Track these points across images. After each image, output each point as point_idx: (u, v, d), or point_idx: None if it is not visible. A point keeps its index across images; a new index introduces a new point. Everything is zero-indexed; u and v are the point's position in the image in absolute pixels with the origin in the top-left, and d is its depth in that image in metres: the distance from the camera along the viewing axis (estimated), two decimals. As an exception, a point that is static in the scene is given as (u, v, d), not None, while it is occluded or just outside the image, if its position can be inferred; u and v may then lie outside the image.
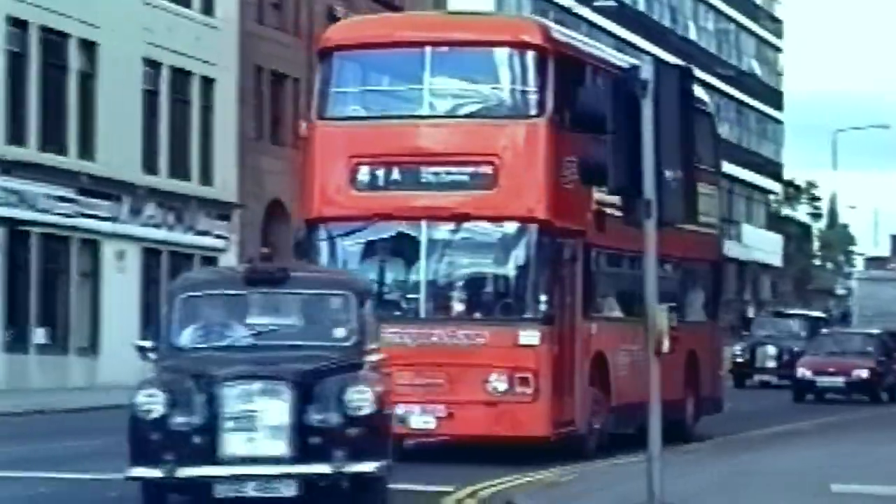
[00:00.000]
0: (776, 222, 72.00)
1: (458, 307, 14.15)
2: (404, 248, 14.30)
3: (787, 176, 74.29)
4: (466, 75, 14.80)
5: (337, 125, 14.64)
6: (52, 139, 29.54)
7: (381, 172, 14.19)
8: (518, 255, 14.01)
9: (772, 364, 34.38)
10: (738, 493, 11.31)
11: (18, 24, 28.67)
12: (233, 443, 8.75)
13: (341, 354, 9.32)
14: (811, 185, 78.62)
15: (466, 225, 13.98)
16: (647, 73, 9.57)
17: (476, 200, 13.88)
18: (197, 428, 8.74)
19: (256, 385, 8.82)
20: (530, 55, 14.24)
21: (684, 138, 9.83)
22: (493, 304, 14.24)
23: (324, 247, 14.22)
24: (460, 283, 14.33)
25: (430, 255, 13.99)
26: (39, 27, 29.05)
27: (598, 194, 14.97)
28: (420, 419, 13.51)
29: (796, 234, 75.47)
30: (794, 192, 76.69)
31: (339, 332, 9.55)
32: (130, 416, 8.96)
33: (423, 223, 13.90)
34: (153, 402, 8.80)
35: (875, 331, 31.90)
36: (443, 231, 14.04)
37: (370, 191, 14.21)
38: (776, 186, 72.37)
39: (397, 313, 13.94)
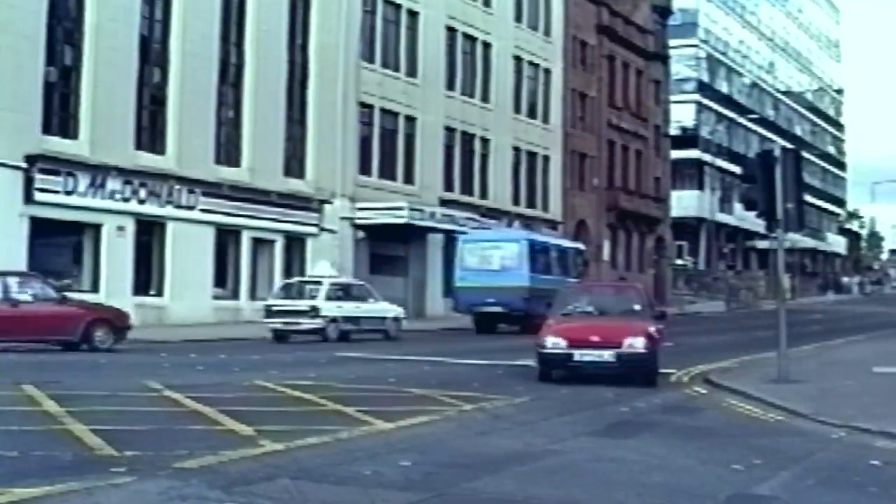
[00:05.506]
0: (842, 231, 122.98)
1: None
2: None
3: (849, 206, 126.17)
4: None
5: None
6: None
7: None
8: None
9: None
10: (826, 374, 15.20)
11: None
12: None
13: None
14: (857, 212, 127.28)
15: None
16: (777, 153, 17.14)
17: None
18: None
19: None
20: None
21: (796, 185, 16.89)
22: None
23: None
24: None
25: None
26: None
27: None
28: None
29: (853, 238, 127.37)
30: (849, 215, 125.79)
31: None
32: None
33: None
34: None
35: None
36: None
37: None
38: (842, 211, 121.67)
39: None
